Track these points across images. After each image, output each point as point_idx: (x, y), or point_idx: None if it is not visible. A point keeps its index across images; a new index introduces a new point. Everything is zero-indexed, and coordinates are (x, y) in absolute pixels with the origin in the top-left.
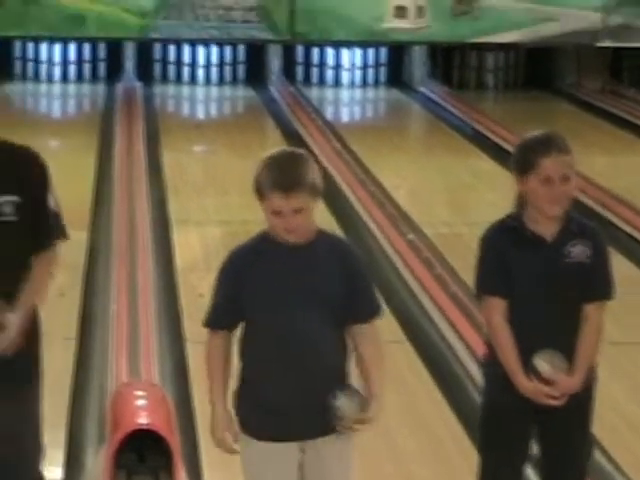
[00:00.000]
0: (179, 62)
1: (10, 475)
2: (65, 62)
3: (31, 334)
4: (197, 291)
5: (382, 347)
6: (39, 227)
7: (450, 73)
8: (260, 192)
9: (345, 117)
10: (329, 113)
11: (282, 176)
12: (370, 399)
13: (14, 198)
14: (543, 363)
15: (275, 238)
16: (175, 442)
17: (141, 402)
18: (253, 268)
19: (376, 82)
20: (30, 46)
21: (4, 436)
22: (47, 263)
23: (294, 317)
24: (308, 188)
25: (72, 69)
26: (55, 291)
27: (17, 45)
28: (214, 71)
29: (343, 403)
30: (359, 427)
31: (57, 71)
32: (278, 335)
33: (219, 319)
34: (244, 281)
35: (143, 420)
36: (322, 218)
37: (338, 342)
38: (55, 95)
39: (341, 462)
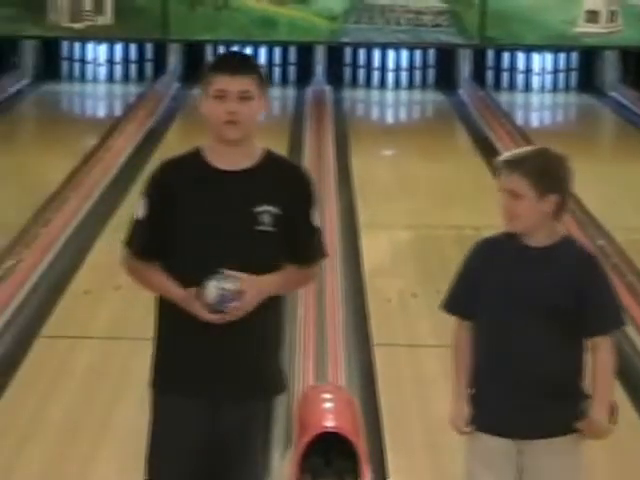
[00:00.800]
0: (369, 66)
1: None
2: None
3: (278, 341)
4: (384, 295)
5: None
6: (299, 242)
7: None
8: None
9: (535, 122)
10: (519, 118)
11: (506, 158)
12: (590, 408)
13: (274, 209)
14: None
15: (520, 236)
16: (361, 445)
17: (328, 405)
18: (490, 263)
19: (567, 87)
20: (221, 50)
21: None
22: (304, 275)
23: (515, 316)
24: (525, 176)
25: None
26: None
27: (208, 49)
28: (404, 75)
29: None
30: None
31: None
32: (497, 334)
33: (453, 304)
34: (479, 274)
35: (330, 423)
36: None
37: (562, 350)
38: None
39: (560, 470)
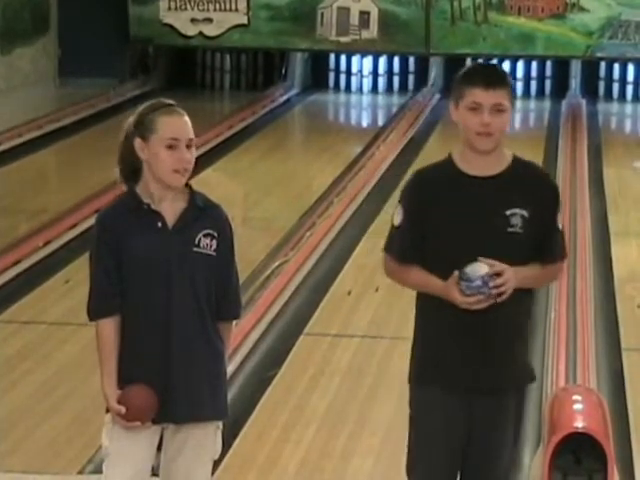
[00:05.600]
0: (623, 80)
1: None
2: (513, 79)
3: (529, 332)
4: (634, 301)
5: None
6: (544, 243)
7: None
8: None
9: None
10: None
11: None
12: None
13: (524, 212)
14: None
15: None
16: (610, 447)
17: (578, 406)
18: None
19: None
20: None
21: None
22: (549, 272)
23: None
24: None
25: (519, 86)
26: None
27: (468, 63)
28: None
29: None
30: None
31: None
32: None
33: None
34: None
35: (579, 424)
36: None
37: None
38: None
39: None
